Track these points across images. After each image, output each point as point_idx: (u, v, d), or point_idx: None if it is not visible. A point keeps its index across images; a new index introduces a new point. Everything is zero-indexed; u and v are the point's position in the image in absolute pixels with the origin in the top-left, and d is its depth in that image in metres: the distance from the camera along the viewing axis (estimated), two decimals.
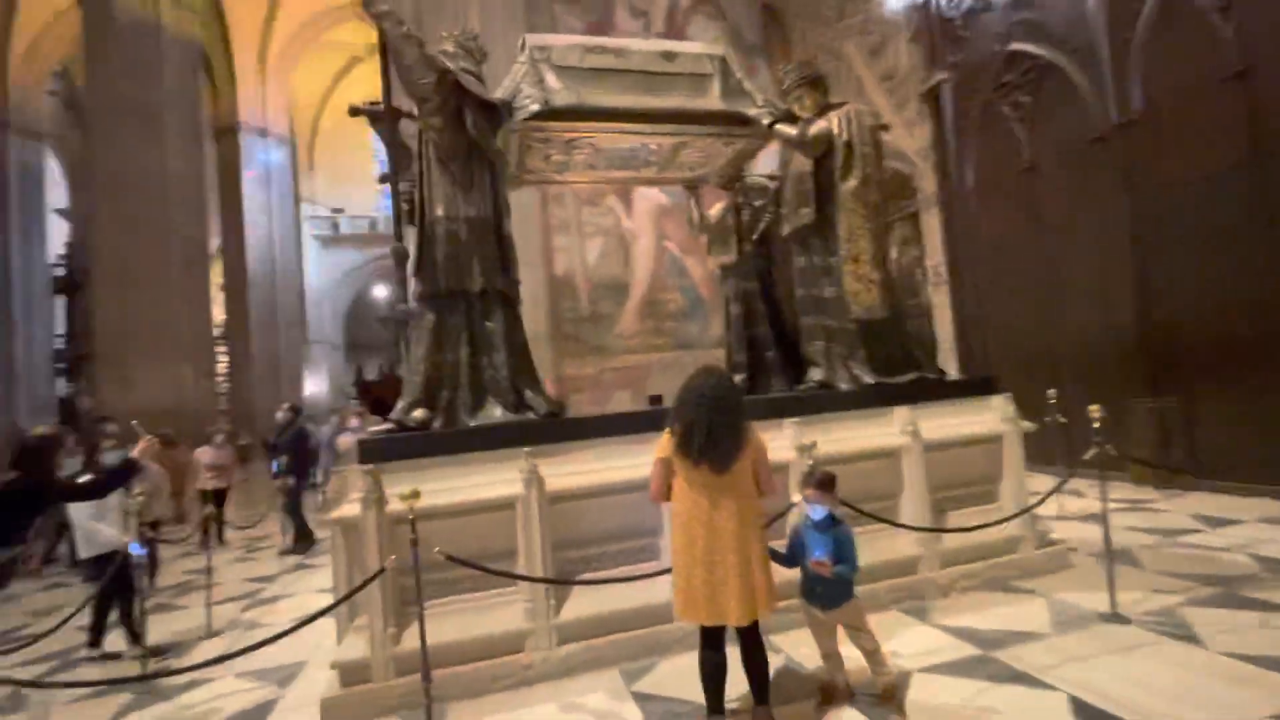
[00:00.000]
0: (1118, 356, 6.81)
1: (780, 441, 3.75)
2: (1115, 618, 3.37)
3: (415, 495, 2.72)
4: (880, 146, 4.58)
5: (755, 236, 5.35)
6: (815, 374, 4.67)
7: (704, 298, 10.90)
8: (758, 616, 2.49)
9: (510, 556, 3.34)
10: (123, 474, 3.25)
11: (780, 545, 2.86)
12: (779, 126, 4.47)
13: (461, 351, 3.83)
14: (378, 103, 4.16)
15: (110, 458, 4.92)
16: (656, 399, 5.51)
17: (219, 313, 17.78)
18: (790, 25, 11.65)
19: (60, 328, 19.28)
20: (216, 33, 17.78)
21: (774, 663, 3.09)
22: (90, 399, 15.45)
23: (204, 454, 8.09)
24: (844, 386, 4.46)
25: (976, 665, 3.02)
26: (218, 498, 7.95)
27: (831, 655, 2.83)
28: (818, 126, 4.45)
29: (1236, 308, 5.76)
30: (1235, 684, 2.67)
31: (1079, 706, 2.59)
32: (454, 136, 3.81)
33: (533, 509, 3.34)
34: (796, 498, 3.05)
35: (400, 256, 3.88)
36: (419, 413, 3.68)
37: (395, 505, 2.99)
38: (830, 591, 2.74)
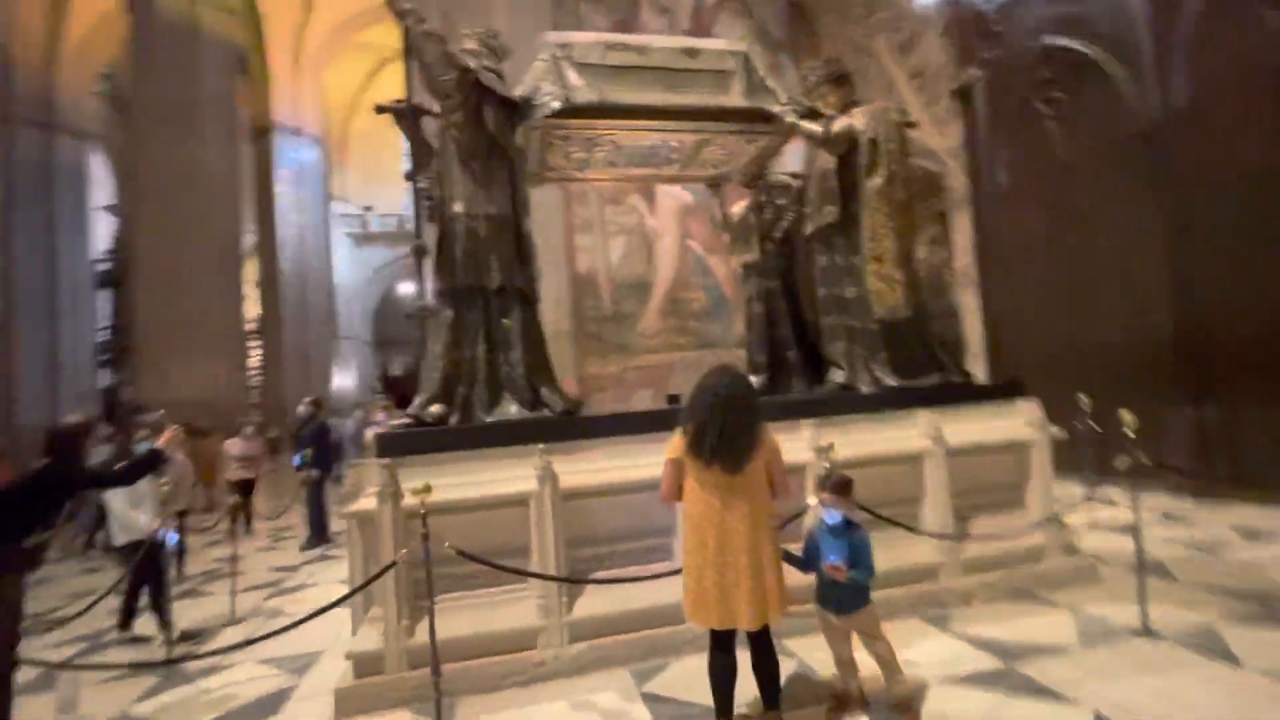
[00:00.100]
0: (1155, 361, 6.57)
1: (798, 443, 3.69)
2: (1146, 633, 3.24)
3: (426, 490, 2.74)
4: (906, 143, 4.48)
5: (778, 235, 5.29)
6: (836, 375, 4.59)
7: (727, 297, 10.81)
8: (768, 621, 2.44)
9: (524, 553, 3.35)
10: (147, 464, 3.33)
11: (796, 548, 2.81)
12: (802, 123, 4.41)
13: (479, 348, 3.85)
14: (403, 101, 4.19)
15: (143, 448, 5.07)
16: (675, 398, 5.46)
17: (252, 308, 18.23)
18: (818, 21, 11.49)
19: (104, 321, 19.96)
20: (253, 34, 18.22)
21: (787, 668, 3.04)
22: (131, 390, 15.97)
23: (233, 446, 8.28)
24: (865, 388, 4.38)
25: (997, 677, 2.93)
26: (246, 488, 8.14)
27: (845, 662, 2.77)
28: (841, 123, 4.37)
29: None
30: (1273, 705, 2.55)
31: None
32: (474, 134, 3.83)
33: (546, 506, 3.34)
34: (812, 500, 2.99)
35: (419, 253, 3.90)
36: (436, 408, 3.71)
37: (409, 500, 3.01)
38: (845, 597, 2.68)
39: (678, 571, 2.81)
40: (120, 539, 4.52)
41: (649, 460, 3.43)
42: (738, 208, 5.45)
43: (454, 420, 3.75)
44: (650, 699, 2.96)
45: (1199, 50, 6.05)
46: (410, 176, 4.43)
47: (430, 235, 3.98)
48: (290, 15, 18.90)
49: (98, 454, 6.40)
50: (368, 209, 27.33)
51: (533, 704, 3.00)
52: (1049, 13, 7.52)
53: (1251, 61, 5.60)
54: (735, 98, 4.44)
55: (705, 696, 2.58)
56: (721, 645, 2.53)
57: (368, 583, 3.01)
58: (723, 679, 2.52)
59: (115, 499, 4.52)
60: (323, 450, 7.68)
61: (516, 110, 3.97)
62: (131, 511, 4.49)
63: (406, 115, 4.10)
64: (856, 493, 2.81)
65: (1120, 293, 6.97)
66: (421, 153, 4.12)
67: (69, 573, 7.07)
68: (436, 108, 3.97)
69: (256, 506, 8.71)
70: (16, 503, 2.82)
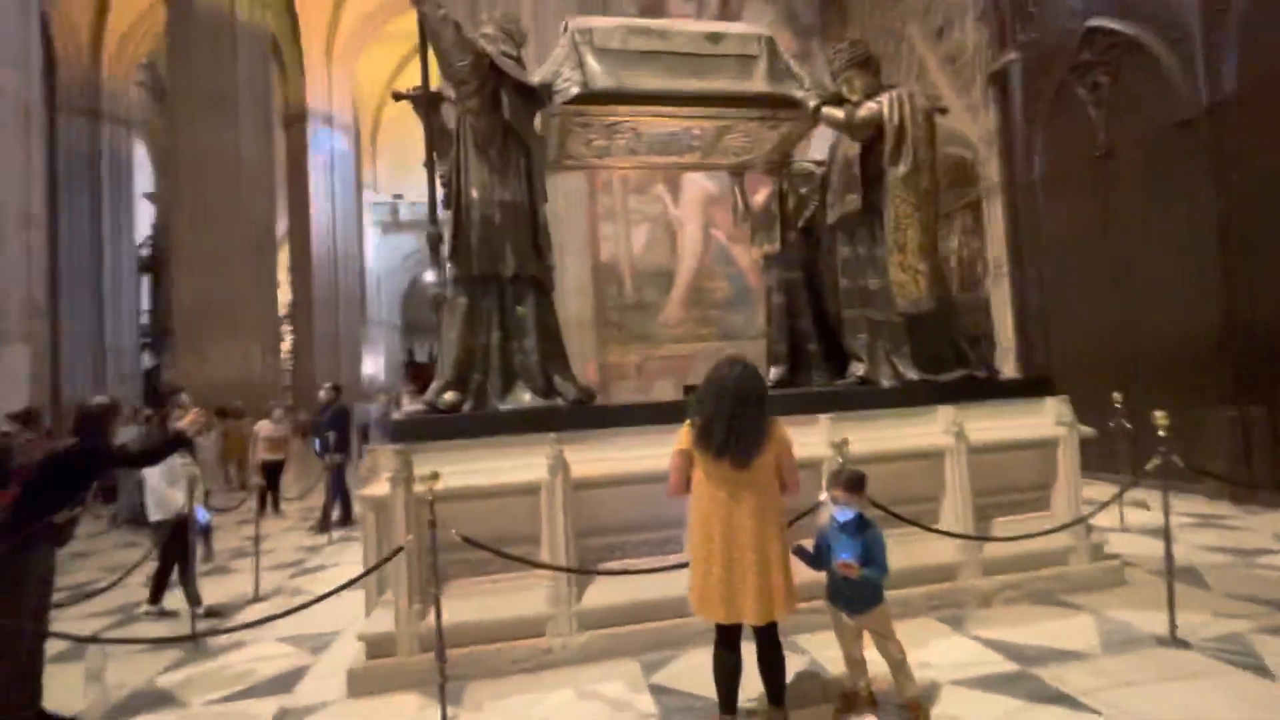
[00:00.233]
0: (1197, 360, 6.29)
1: (814, 438, 3.63)
2: (1173, 641, 3.11)
3: (435, 477, 2.75)
4: (934, 130, 4.32)
5: (800, 224, 5.19)
6: (857, 368, 4.49)
7: (751, 287, 10.69)
8: (775, 618, 2.40)
9: (535, 540, 3.35)
10: (169, 445, 3.42)
11: (809, 544, 2.75)
12: (825, 109, 4.29)
13: (493, 335, 3.85)
14: (420, 88, 4.19)
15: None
16: (691, 388, 5.41)
17: (285, 293, 18.64)
18: (848, 6, 11.21)
19: (146, 305, 20.63)
20: (286, 24, 18.50)
21: (797, 664, 3.01)
22: (170, 372, 16.50)
23: (263, 428, 8.49)
24: (886, 382, 4.28)
25: (1013, 682, 2.84)
26: (274, 470, 8.35)
27: (855, 661, 2.72)
28: (866, 109, 4.24)
29: None
30: None
31: None
32: (490, 120, 3.81)
33: (557, 495, 3.33)
34: (824, 496, 2.93)
35: (434, 240, 3.91)
36: (450, 395, 3.73)
37: (420, 486, 3.04)
38: (857, 595, 2.63)
39: (687, 564, 2.78)
40: (155, 515, 4.66)
41: (662, 451, 3.37)
42: (761, 196, 5.35)
43: (468, 407, 3.77)
44: (657, 690, 2.95)
45: (1253, 33, 5.73)
46: (427, 164, 4.43)
47: (446, 222, 3.98)
48: (323, 4, 19.13)
49: (124, 433, 6.61)
50: (398, 197, 27.66)
51: (539, 690, 3.01)
52: None
53: None
54: (758, 83, 4.34)
55: (712, 690, 2.55)
56: (727, 640, 2.49)
57: (376, 566, 3.05)
58: (727, 673, 2.49)
59: (153, 476, 4.65)
60: (343, 435, 7.84)
61: (534, 96, 3.94)
62: (169, 489, 4.62)
63: (423, 102, 4.10)
64: (872, 489, 2.75)
65: (1162, 288, 6.69)
66: (438, 140, 4.11)
67: (107, 546, 7.34)
68: (453, 94, 3.96)
69: (284, 488, 8.94)
70: (45, 479, 2.92)
